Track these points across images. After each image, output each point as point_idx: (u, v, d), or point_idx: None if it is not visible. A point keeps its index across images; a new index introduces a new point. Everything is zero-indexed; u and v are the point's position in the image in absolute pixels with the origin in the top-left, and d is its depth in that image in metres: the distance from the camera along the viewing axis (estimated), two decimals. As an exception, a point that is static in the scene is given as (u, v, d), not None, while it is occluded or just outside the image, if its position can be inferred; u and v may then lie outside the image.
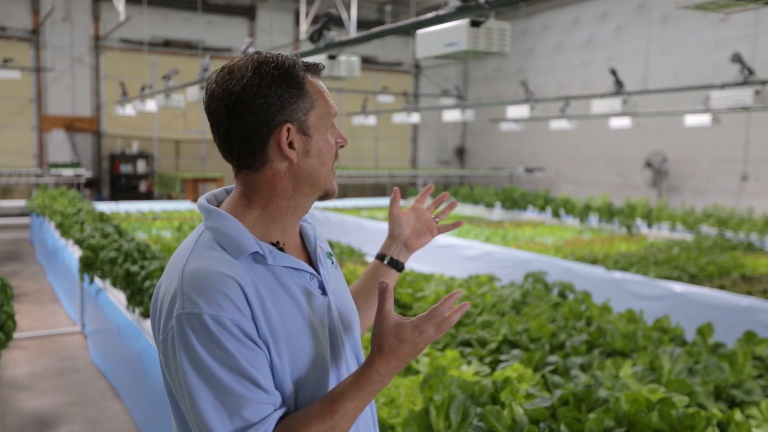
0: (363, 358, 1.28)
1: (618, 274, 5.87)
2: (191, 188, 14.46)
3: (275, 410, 1.07)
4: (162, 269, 4.06)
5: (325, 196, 1.21)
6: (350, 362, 1.24)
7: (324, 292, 1.21)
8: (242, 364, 1.04)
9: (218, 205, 1.21)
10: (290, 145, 1.14)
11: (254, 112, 1.11)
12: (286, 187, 1.16)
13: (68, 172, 14.47)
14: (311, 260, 1.25)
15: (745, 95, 7.30)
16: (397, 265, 1.48)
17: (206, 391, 1.04)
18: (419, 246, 1.50)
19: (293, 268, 1.17)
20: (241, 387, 1.04)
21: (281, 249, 1.17)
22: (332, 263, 1.32)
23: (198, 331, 1.04)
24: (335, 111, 1.20)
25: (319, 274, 1.22)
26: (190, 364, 1.04)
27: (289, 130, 1.13)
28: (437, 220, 1.54)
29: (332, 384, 1.16)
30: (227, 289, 1.05)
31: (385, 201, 14.35)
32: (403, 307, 4.23)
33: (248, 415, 1.04)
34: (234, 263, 1.10)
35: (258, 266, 1.12)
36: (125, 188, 15.87)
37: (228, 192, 1.24)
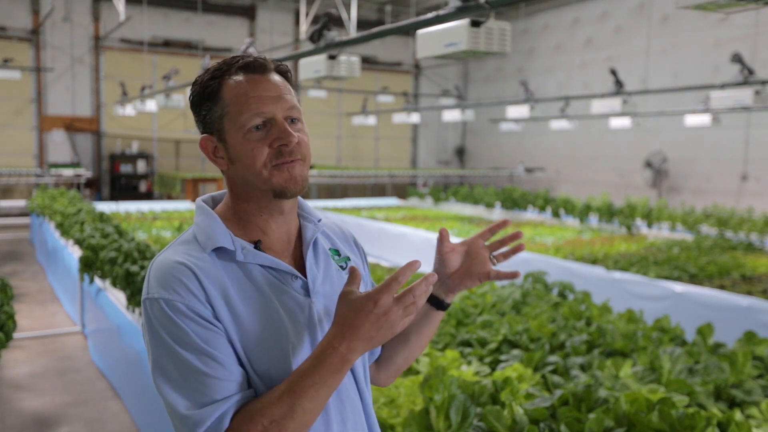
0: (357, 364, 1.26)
1: (618, 274, 5.87)
2: (191, 188, 14.46)
3: (238, 392, 1.09)
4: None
5: (277, 195, 1.18)
6: None
7: (306, 294, 1.19)
8: (199, 343, 1.07)
9: (215, 206, 1.26)
10: (217, 154, 1.20)
11: (197, 127, 1.23)
12: (239, 191, 1.21)
13: (68, 172, 14.46)
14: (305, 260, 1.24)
15: (745, 95, 7.31)
16: (437, 304, 1.38)
17: (170, 370, 1.08)
18: (461, 288, 1.37)
19: (270, 268, 1.18)
20: (202, 365, 1.07)
21: (258, 248, 1.18)
22: (343, 267, 1.29)
23: (157, 314, 1.10)
24: (256, 111, 1.15)
25: (304, 275, 1.21)
26: (155, 344, 1.10)
27: (211, 140, 1.20)
28: (494, 262, 1.38)
29: None
30: (181, 275, 1.11)
31: (385, 201, 14.35)
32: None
33: (211, 392, 1.06)
34: (201, 256, 1.14)
35: (228, 261, 1.16)
36: (125, 188, 15.87)
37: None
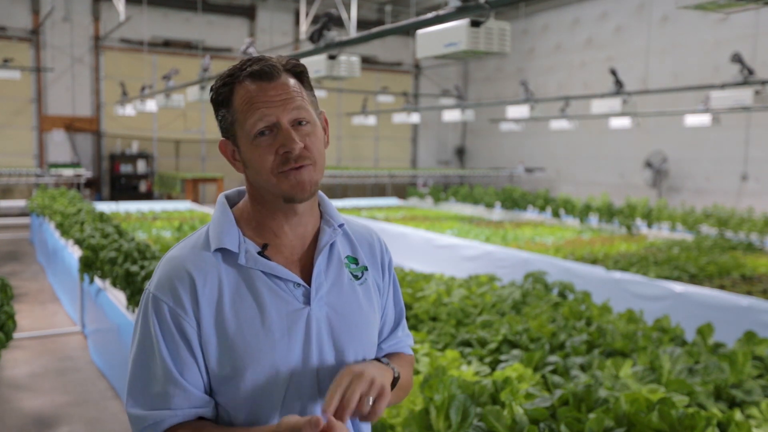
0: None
1: (618, 274, 5.87)
2: (191, 188, 14.45)
3: (189, 408, 1.12)
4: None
5: (287, 200, 1.18)
6: (326, 376, 1.18)
7: (306, 302, 1.18)
8: (164, 353, 1.12)
9: (240, 199, 1.28)
10: (236, 157, 1.22)
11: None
12: (254, 194, 1.22)
13: (68, 172, 14.46)
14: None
15: (745, 95, 7.31)
16: None
17: (136, 364, 1.15)
18: None
19: (272, 274, 1.17)
20: (161, 373, 1.12)
21: (263, 254, 1.18)
22: (357, 277, 1.27)
23: (147, 308, 1.16)
24: (260, 117, 1.14)
25: (308, 283, 1.20)
26: (134, 333, 1.18)
27: (228, 144, 1.22)
28: None
29: (290, 393, 1.15)
30: (178, 280, 1.14)
31: (385, 201, 14.35)
32: (403, 307, 4.21)
33: (158, 401, 1.12)
34: (206, 256, 1.17)
35: (230, 263, 1.17)
36: (125, 188, 15.87)
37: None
